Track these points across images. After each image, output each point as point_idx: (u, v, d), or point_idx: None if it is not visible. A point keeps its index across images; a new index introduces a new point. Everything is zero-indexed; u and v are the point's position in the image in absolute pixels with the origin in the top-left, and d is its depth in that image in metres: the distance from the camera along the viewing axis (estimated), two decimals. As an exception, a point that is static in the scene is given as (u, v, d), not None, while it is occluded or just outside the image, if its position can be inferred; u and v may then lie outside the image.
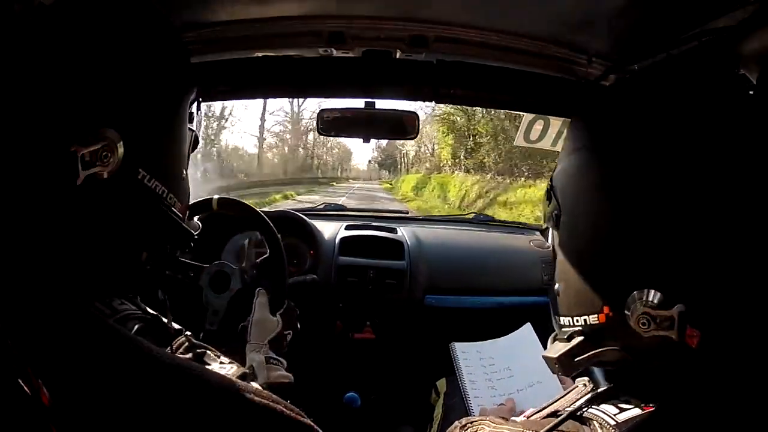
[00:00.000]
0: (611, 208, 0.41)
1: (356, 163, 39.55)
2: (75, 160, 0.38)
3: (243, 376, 0.44)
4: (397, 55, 0.92)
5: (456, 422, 0.52)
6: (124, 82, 0.41)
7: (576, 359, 0.44)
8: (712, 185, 0.37)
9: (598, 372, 0.95)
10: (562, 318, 0.46)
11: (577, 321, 0.44)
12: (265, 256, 1.11)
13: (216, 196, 1.11)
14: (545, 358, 0.47)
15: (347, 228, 1.51)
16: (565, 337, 0.45)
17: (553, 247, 0.48)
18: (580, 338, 0.43)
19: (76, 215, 0.40)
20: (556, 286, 0.47)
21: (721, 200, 0.36)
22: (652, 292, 0.37)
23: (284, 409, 0.39)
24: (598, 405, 0.43)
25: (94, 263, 0.43)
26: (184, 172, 0.50)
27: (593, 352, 0.43)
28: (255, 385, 0.44)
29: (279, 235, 1.11)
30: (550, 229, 0.49)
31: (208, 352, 0.45)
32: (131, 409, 0.34)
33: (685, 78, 0.43)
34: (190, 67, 0.51)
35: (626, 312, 0.39)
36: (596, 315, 0.42)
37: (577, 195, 0.44)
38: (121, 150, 0.40)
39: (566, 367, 0.45)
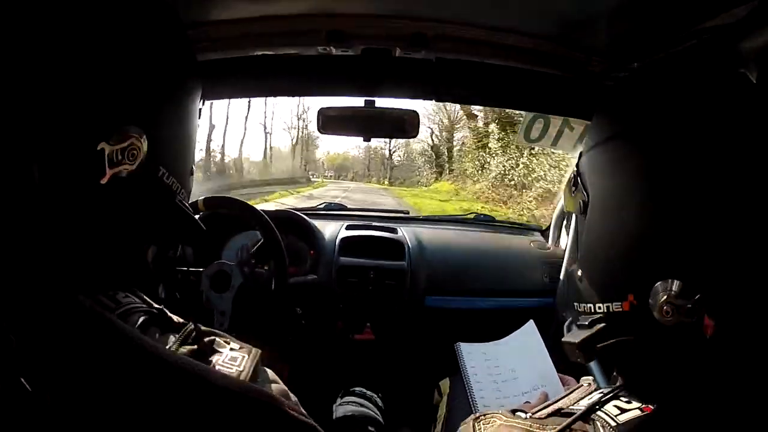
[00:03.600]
0: (642, 197, 0.41)
1: (345, 150, 27.54)
2: (102, 158, 0.38)
3: (257, 365, 0.43)
4: (397, 54, 0.92)
5: (471, 415, 0.53)
6: (145, 78, 0.42)
7: (597, 345, 0.44)
8: (741, 178, 0.37)
9: (597, 372, 0.95)
10: (583, 305, 0.46)
11: (600, 308, 0.44)
12: (260, 241, 1.11)
13: (201, 197, 1.11)
14: (565, 343, 0.48)
15: (348, 228, 1.51)
16: (587, 323, 0.45)
17: (577, 234, 0.49)
18: (602, 325, 0.44)
19: (96, 212, 0.40)
20: (579, 272, 0.48)
21: (747, 194, 0.37)
22: (676, 281, 0.38)
23: (287, 409, 0.39)
24: (602, 404, 0.44)
25: (104, 258, 0.43)
26: (193, 167, 0.51)
27: (614, 340, 0.44)
28: (265, 377, 0.44)
29: (278, 234, 1.11)
30: (575, 217, 0.50)
31: (218, 339, 0.44)
32: (131, 408, 0.34)
33: (717, 65, 0.43)
34: (198, 64, 0.51)
35: (650, 301, 0.39)
36: (620, 303, 0.42)
37: (608, 183, 0.45)
38: (145, 147, 0.40)
39: (587, 353, 0.45)
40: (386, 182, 22.80)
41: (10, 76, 0.35)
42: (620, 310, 0.42)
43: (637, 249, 0.41)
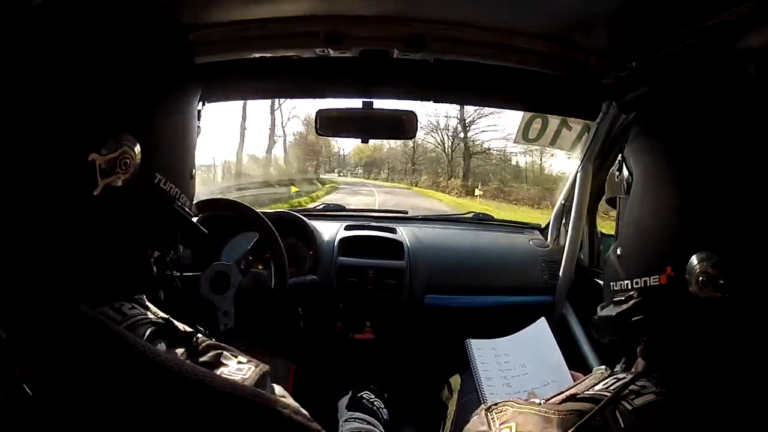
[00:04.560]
0: (686, 179, 0.43)
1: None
2: (93, 170, 0.37)
3: (263, 377, 0.43)
4: (395, 55, 0.92)
5: (482, 405, 0.53)
6: (136, 84, 0.41)
7: (633, 319, 0.46)
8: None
9: (593, 362, 0.95)
10: (620, 282, 0.48)
11: (637, 283, 0.45)
12: (256, 238, 1.11)
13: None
14: (600, 318, 0.49)
15: (347, 228, 1.51)
16: (623, 298, 0.47)
17: (620, 213, 0.52)
18: (639, 299, 0.45)
19: (91, 223, 0.39)
20: (618, 251, 0.49)
21: None
22: (712, 254, 0.40)
23: (292, 415, 0.39)
24: (617, 389, 0.44)
25: (106, 269, 0.42)
26: (193, 170, 0.50)
27: (649, 314, 0.45)
28: (272, 392, 0.44)
29: (276, 234, 1.11)
30: (618, 198, 0.52)
31: (225, 352, 0.44)
32: (137, 417, 0.34)
33: (738, 65, 0.46)
34: (195, 66, 0.50)
35: (686, 276, 0.41)
36: (658, 276, 0.43)
37: (652, 165, 0.47)
38: (139, 155, 0.40)
39: (621, 326, 0.47)
40: (462, 188, 13.02)
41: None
42: (657, 283, 0.43)
43: (676, 222, 0.43)
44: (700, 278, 0.39)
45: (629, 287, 0.46)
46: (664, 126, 0.47)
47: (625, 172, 0.50)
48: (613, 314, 0.47)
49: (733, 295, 0.39)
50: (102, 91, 0.38)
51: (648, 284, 0.44)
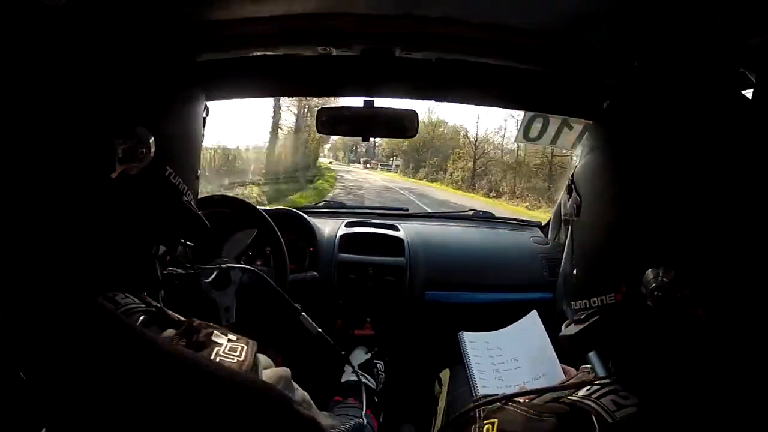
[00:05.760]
0: (630, 196, 0.43)
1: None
2: (113, 154, 0.41)
3: (256, 354, 0.46)
4: (397, 54, 0.92)
5: (472, 398, 0.53)
6: (153, 86, 0.45)
7: (592, 338, 0.46)
8: (721, 176, 0.39)
9: (596, 362, 0.96)
10: (578, 302, 0.48)
11: (594, 302, 0.46)
12: (255, 233, 1.12)
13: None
14: (562, 337, 0.50)
15: (347, 225, 1.51)
16: (583, 317, 0.47)
17: (573, 236, 0.51)
18: (597, 317, 0.46)
19: (105, 207, 0.43)
20: (574, 271, 0.50)
21: (730, 191, 0.38)
22: (667, 269, 0.39)
23: (296, 407, 0.41)
24: (600, 398, 0.44)
25: (110, 256, 0.45)
26: (198, 172, 0.54)
27: (609, 331, 0.45)
28: (265, 375, 0.45)
29: (277, 231, 1.12)
30: (570, 221, 0.52)
31: (216, 331, 0.46)
32: (137, 400, 0.35)
33: (690, 75, 0.46)
34: (203, 79, 0.55)
35: (642, 289, 0.41)
36: (613, 294, 0.44)
37: (597, 187, 0.47)
38: (153, 147, 0.44)
39: (582, 345, 0.48)
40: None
41: (33, 79, 0.38)
42: (614, 301, 0.44)
43: (626, 239, 0.43)
44: (655, 293, 0.40)
45: (587, 306, 0.47)
46: (621, 138, 0.46)
47: (575, 194, 0.50)
48: (573, 333, 0.47)
49: (690, 309, 0.39)
50: (124, 88, 0.43)
51: (605, 302, 0.45)
